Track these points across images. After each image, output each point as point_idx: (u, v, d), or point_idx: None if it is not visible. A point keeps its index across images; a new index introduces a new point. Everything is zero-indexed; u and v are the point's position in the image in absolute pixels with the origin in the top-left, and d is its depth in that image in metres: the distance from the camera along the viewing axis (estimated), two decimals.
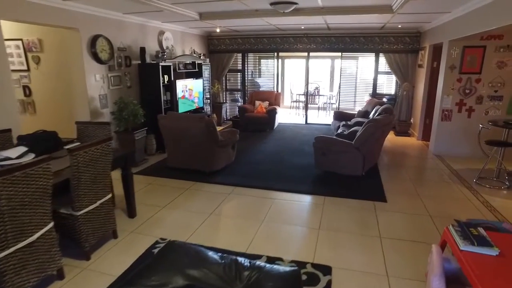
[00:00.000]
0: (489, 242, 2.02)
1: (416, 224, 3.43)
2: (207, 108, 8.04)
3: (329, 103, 10.34)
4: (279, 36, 8.34)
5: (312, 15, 5.66)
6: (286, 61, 12.45)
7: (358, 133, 4.47)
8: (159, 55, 5.94)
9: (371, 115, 6.33)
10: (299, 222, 3.51)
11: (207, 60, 8.37)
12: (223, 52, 8.84)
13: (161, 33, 6.70)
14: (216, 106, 8.73)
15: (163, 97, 6.11)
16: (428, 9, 5.08)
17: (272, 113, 7.79)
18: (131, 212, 3.63)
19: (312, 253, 2.90)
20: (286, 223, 3.48)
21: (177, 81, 6.46)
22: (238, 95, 9.43)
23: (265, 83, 9.58)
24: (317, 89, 10.69)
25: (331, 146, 4.67)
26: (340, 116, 7.23)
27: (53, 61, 5.10)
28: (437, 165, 5.47)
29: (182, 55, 6.83)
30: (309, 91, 10.48)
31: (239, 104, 9.17)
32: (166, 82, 6.23)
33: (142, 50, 5.87)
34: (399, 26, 6.99)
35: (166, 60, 6.23)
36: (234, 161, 5.43)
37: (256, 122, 7.92)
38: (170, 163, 5.16)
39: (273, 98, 8.40)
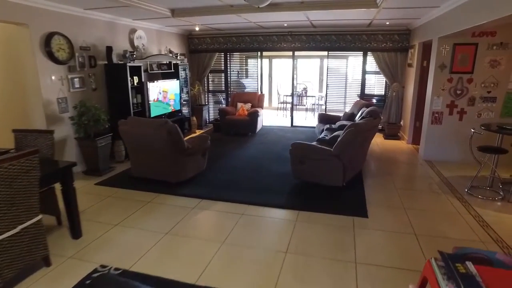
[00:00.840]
0: (479, 285, 1.60)
1: (399, 246, 3.00)
2: (186, 111, 7.59)
3: (318, 105, 9.92)
4: (262, 34, 7.91)
5: (291, 11, 5.24)
6: (274, 61, 12.03)
7: (338, 140, 4.04)
8: (127, 55, 5.48)
9: (356, 118, 5.92)
10: (265, 243, 3.07)
11: (185, 60, 7.92)
12: (204, 51, 8.40)
13: (133, 31, 6.24)
14: (197, 109, 8.28)
15: (132, 100, 5.66)
16: (414, 3, 4.67)
17: (253, 116, 7.35)
18: (75, 233, 3.17)
19: (272, 285, 2.46)
20: (249, 245, 3.04)
21: (148, 83, 6.01)
22: (221, 97, 8.99)
23: (252, 84, 9.13)
24: (305, 89, 10.27)
25: (309, 154, 4.24)
26: (325, 118, 6.81)
27: None
28: (426, 172, 5.06)
29: (154, 55, 6.38)
30: (296, 92, 10.09)
31: (223, 106, 8.73)
32: (136, 84, 5.79)
33: (109, 49, 5.41)
34: (387, 23, 6.58)
35: (136, 61, 5.78)
36: (207, 169, 4.99)
37: (237, 125, 7.48)
38: (134, 173, 4.70)
39: (256, 100, 7.96)
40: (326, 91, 8.17)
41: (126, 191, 4.38)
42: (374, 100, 7.92)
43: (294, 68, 8.24)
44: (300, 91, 10.52)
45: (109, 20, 5.62)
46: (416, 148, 6.37)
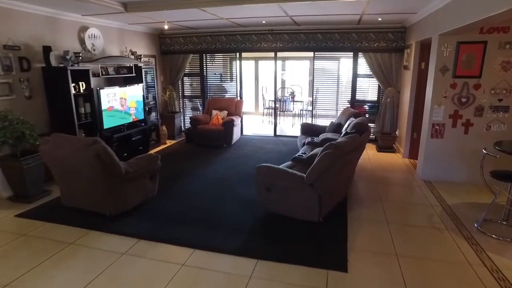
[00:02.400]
0: None
1: None
2: (152, 119, 6.69)
3: (307, 110, 9.02)
4: (240, 33, 7.05)
5: (263, 2, 4.38)
6: (261, 62, 11.17)
7: (312, 165, 3.15)
8: (69, 57, 4.59)
9: (343, 129, 5.04)
10: None
11: (152, 62, 7.05)
12: (177, 52, 7.52)
13: (84, 29, 5.36)
14: (167, 117, 7.39)
15: (76, 110, 4.78)
16: None
17: (228, 126, 6.46)
18: None
19: None
20: None
21: (100, 89, 5.12)
22: (199, 103, 8.11)
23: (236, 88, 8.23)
24: (292, 94, 9.40)
25: (277, 180, 3.36)
26: (308, 129, 5.93)
27: None
28: (426, 197, 4.18)
29: (106, 57, 5.48)
30: (282, 97, 9.23)
31: (198, 113, 7.85)
32: (83, 91, 4.90)
33: (46, 49, 4.53)
34: (379, 19, 5.72)
35: (82, 64, 4.89)
36: (158, 195, 4.10)
37: (210, 136, 6.60)
38: (65, 202, 3.81)
39: (233, 107, 7.08)
40: (313, 96, 7.31)
41: (51, 226, 3.49)
42: (367, 107, 7.06)
43: (276, 70, 7.37)
44: (287, 95, 9.65)
45: (49, 15, 4.74)
46: (413, 164, 5.49)
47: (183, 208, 3.84)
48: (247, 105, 11.38)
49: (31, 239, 3.23)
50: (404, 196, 4.33)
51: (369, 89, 6.98)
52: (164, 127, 7.05)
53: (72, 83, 4.71)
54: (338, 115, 5.96)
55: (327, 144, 3.15)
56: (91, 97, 5.03)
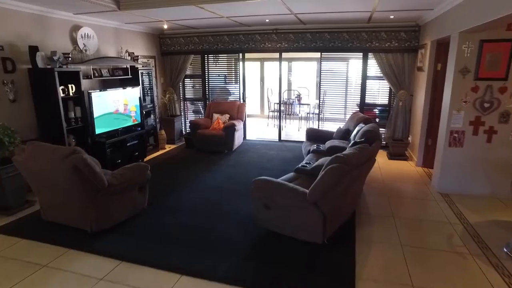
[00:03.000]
0: None
1: None
2: (150, 123, 6.37)
3: (314, 114, 8.60)
4: (243, 33, 6.69)
5: None
6: (266, 64, 10.79)
7: (316, 181, 2.76)
8: (56, 58, 4.29)
9: (352, 136, 4.64)
10: None
11: (151, 63, 6.75)
12: (177, 53, 7.21)
13: (76, 28, 5.07)
14: (167, 120, 7.08)
15: (65, 114, 4.50)
16: None
17: (229, 131, 6.10)
18: None
19: None
20: None
21: (92, 92, 4.81)
22: (201, 106, 7.77)
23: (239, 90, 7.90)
24: (298, 96, 9.00)
25: (276, 197, 2.98)
26: (314, 135, 5.53)
27: None
28: (443, 213, 3.74)
29: (99, 58, 5.15)
30: (287, 100, 8.85)
31: (200, 116, 7.52)
32: (72, 94, 4.60)
33: (33, 50, 4.25)
34: (391, 16, 5.31)
35: (72, 65, 4.60)
36: (148, 208, 3.76)
37: (210, 141, 6.25)
38: (44, 216, 3.49)
39: (235, 111, 6.72)
40: (319, 99, 6.91)
41: (26, 243, 3.18)
42: (377, 111, 6.63)
43: (281, 72, 6.98)
44: (293, 98, 9.25)
45: (37, 13, 4.46)
46: (428, 173, 5.05)
47: (173, 224, 3.49)
48: (252, 107, 11.05)
49: (0, 260, 2.91)
50: (419, 211, 3.90)
51: (379, 92, 6.55)
52: (163, 132, 6.73)
53: (61, 85, 4.42)
54: (347, 119, 5.54)
55: (333, 157, 2.76)
56: (82, 100, 4.73)
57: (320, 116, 7.82)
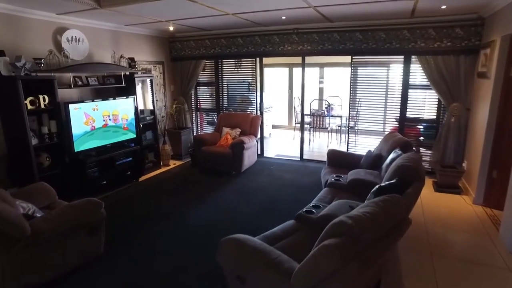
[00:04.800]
0: None
1: None
2: (150, 137, 5.63)
3: (346, 127, 7.37)
4: (259, 34, 5.75)
5: None
6: (296, 70, 9.74)
7: (305, 261, 1.70)
8: (20, 64, 3.65)
9: (384, 165, 3.49)
10: None
11: (157, 69, 6.06)
12: (188, 58, 6.45)
13: (61, 31, 4.47)
14: (173, 133, 6.32)
15: (38, 129, 3.89)
16: None
17: (237, 149, 5.16)
18: None
19: None
20: None
21: (68, 103, 4.15)
22: (214, 117, 6.95)
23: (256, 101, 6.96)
24: (329, 107, 7.83)
25: (249, 269, 1.97)
26: (337, 159, 4.39)
27: None
28: None
29: (80, 64, 4.45)
30: (316, 111, 7.74)
31: (212, 130, 6.68)
32: (45, 106, 3.96)
33: None
34: (443, 7, 4.06)
35: (43, 73, 3.95)
36: (106, 254, 2.93)
37: (216, 160, 5.36)
38: None
39: (248, 124, 5.76)
40: (349, 110, 5.73)
41: None
42: (421, 127, 5.31)
43: (303, 79, 5.93)
44: (324, 108, 8.09)
45: (8, 13, 3.87)
46: (492, 217, 3.71)
47: (133, 281, 2.61)
48: (280, 118, 10.05)
49: None
50: (481, 285, 2.64)
51: (425, 104, 5.24)
52: (166, 146, 5.97)
53: (30, 96, 3.80)
54: (381, 140, 4.34)
55: (331, 224, 1.68)
56: (57, 113, 4.07)
57: (355, 129, 6.64)
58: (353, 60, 5.35)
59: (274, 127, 9.37)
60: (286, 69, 9.88)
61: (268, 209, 4.00)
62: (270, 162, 6.03)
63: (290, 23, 5.32)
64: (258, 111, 6.36)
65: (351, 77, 5.48)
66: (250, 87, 6.37)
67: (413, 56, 4.93)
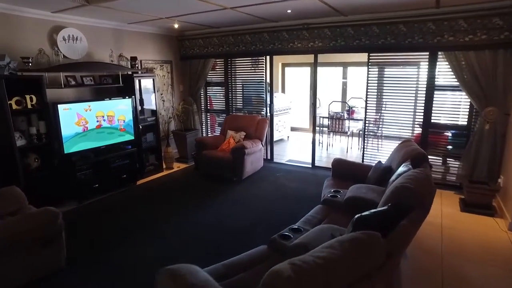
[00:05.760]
0: None
1: None
2: (151, 139, 5.41)
3: (367, 131, 6.70)
4: (267, 30, 5.34)
5: None
6: (320, 69, 9.14)
7: None
8: (3, 62, 3.54)
9: (391, 180, 2.94)
10: None
11: (158, 69, 5.84)
12: (196, 57, 6.19)
13: (57, 29, 4.36)
14: (178, 135, 6.08)
15: (18, 129, 3.77)
16: None
17: (237, 155, 4.78)
18: None
19: None
20: None
21: (57, 104, 4.01)
22: (223, 119, 6.62)
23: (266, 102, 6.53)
24: (350, 110, 7.19)
25: None
26: (342, 170, 3.85)
27: None
28: None
29: (69, 63, 4.30)
30: (335, 114, 7.17)
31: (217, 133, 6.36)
32: (32, 106, 3.84)
33: None
34: None
35: (30, 72, 3.83)
36: (70, 267, 2.69)
37: (216, 165, 5.03)
38: None
39: (253, 128, 5.36)
40: (365, 115, 5.15)
41: None
42: (449, 135, 4.61)
43: (316, 79, 5.44)
44: (343, 111, 7.48)
45: (1, 11, 3.80)
46: None
47: None
48: (301, 120, 9.53)
49: None
50: None
51: (454, 108, 4.53)
52: (170, 149, 5.73)
53: (17, 96, 3.70)
54: (394, 149, 3.73)
55: (268, 273, 1.23)
56: (46, 113, 3.95)
57: (377, 134, 6.01)
58: (370, 57, 4.76)
59: (293, 129, 8.88)
60: (308, 69, 9.34)
61: (259, 223, 3.58)
62: (278, 169, 5.58)
63: (298, 18, 4.85)
64: (267, 113, 5.92)
65: (368, 78, 4.89)
66: (262, 88, 5.95)
67: (439, 53, 4.25)
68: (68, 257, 2.74)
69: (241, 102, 6.26)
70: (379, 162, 3.59)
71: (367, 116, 5.19)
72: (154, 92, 5.33)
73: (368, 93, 4.94)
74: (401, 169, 2.89)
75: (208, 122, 6.81)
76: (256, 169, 5.29)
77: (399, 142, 3.74)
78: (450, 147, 4.59)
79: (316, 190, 4.53)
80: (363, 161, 5.17)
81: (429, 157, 4.58)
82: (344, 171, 3.83)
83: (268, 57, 5.64)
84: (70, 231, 3.25)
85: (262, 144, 5.31)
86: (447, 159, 4.62)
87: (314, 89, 5.47)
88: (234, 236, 3.33)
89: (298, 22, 5.01)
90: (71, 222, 3.54)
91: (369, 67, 4.84)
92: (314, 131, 5.77)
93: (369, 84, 4.90)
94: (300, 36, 5.09)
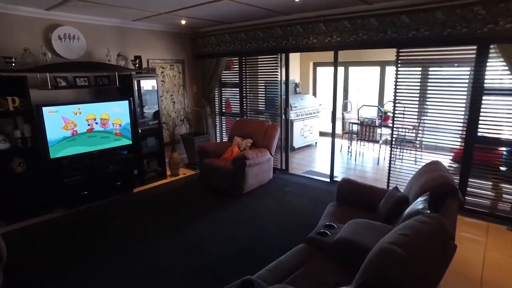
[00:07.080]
0: None
1: None
2: (153, 143, 5.06)
3: (404, 140, 5.70)
4: (280, 25, 4.69)
5: None
6: (351, 69, 8.25)
7: None
8: None
9: (404, 214, 2.19)
10: None
11: (163, 69, 5.48)
12: (209, 56, 5.74)
13: (52, 28, 4.16)
14: (186, 140, 5.68)
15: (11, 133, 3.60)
16: None
17: (238, 165, 4.20)
18: None
19: None
20: None
21: (42, 106, 3.78)
22: None
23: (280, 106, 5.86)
24: (383, 115, 6.23)
25: None
26: (349, 192, 3.09)
27: None
28: None
29: (58, 63, 4.03)
30: (365, 119, 6.27)
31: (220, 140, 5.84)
32: (15, 108, 3.65)
33: None
34: None
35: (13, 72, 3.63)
36: None
37: (217, 176, 4.51)
38: None
39: (261, 135, 4.75)
40: (393, 121, 4.29)
41: None
42: (504, 152, 3.59)
43: (336, 80, 4.64)
44: (374, 117, 6.52)
45: None
46: None
47: None
48: (329, 124, 8.63)
49: None
50: None
51: (509, 119, 3.50)
52: (175, 154, 5.34)
53: None
54: (414, 174, 2.88)
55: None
56: (30, 115, 3.74)
57: (415, 143, 5.10)
58: (400, 54, 3.89)
59: (322, 134, 8.07)
60: (342, 68, 8.44)
61: (243, 252, 3.01)
62: (290, 182, 4.91)
63: (313, 9, 4.15)
64: (282, 118, 5.26)
65: (396, 78, 4.02)
66: (277, 90, 5.30)
67: (491, 46, 3.28)
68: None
69: (255, 105, 5.67)
70: (395, 188, 2.79)
71: (394, 124, 4.30)
72: (157, 94, 4.96)
73: (397, 97, 4.06)
74: (415, 206, 2.12)
75: (223, 126, 6.33)
76: (263, 182, 4.68)
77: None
78: (504, 168, 3.57)
79: (324, 211, 3.81)
80: (389, 177, 4.30)
81: (474, 180, 3.64)
82: (352, 195, 3.07)
83: (283, 54, 4.98)
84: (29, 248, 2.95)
85: (271, 153, 4.68)
86: (501, 185, 3.61)
87: (334, 91, 4.70)
88: (204, 269, 2.78)
89: (313, 14, 4.30)
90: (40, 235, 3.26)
91: (399, 65, 3.96)
92: (333, 140, 4.99)
93: (398, 86, 4.03)
94: (316, 30, 4.37)
